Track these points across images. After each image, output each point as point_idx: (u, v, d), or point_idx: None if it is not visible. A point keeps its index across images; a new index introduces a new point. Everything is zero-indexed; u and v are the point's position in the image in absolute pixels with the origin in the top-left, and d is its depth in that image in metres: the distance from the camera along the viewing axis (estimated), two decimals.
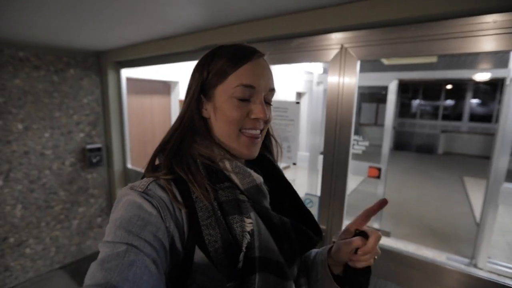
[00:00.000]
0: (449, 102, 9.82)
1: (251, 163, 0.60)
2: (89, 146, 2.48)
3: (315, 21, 1.29)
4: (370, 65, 3.68)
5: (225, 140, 0.55)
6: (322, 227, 1.47)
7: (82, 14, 1.38)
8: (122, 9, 1.30)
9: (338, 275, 0.60)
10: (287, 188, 0.63)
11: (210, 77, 0.53)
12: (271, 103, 0.60)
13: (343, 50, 1.30)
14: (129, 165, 2.68)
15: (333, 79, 1.34)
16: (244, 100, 0.53)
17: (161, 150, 0.55)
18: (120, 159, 2.67)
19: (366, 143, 3.25)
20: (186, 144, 0.54)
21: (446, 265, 1.13)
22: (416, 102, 10.34)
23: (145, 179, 0.50)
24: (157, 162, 0.55)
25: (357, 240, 0.53)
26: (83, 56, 2.40)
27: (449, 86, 9.58)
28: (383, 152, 3.13)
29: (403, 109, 10.39)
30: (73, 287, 2.24)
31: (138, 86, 3.09)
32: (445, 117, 9.76)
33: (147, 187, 0.47)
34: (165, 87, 3.44)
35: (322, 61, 1.39)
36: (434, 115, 9.95)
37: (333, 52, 1.33)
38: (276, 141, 0.70)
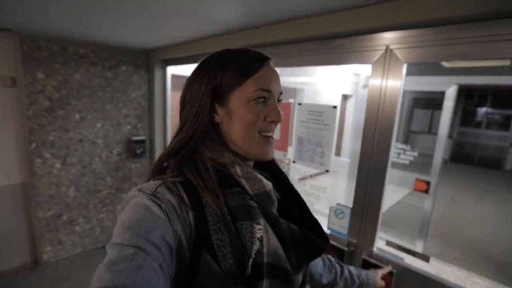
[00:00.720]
0: None
1: (260, 170, 0.59)
2: (134, 138, 2.67)
3: (358, 20, 1.19)
4: (426, 67, 3.34)
5: (242, 143, 0.55)
6: (353, 240, 1.37)
7: (131, 15, 1.48)
8: (169, 9, 1.36)
9: None
10: (295, 197, 0.64)
11: (224, 82, 0.53)
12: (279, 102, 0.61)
13: (388, 51, 1.18)
14: None
15: (375, 82, 1.23)
16: (261, 103, 0.54)
17: (172, 154, 0.54)
18: (161, 152, 2.82)
19: (415, 153, 2.96)
20: (197, 150, 0.54)
21: None
22: (482, 110, 9.17)
23: (154, 181, 0.50)
24: (167, 164, 0.55)
25: None
26: (134, 54, 2.58)
27: None
28: (434, 163, 2.82)
29: (465, 117, 9.30)
30: None
31: (183, 83, 3.23)
32: None
33: (155, 189, 0.47)
34: None
35: (365, 63, 1.28)
36: (504, 125, 8.72)
37: (377, 54, 1.22)
38: None
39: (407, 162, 3.03)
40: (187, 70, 3.01)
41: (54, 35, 2.07)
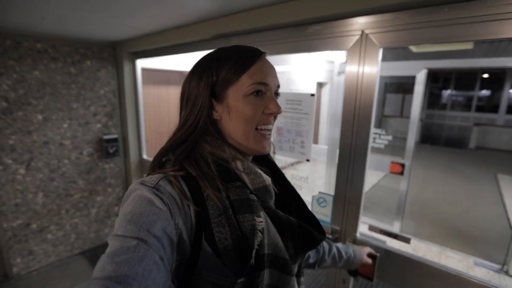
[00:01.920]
0: (485, 92, 9.08)
1: (259, 165, 0.60)
2: (105, 137, 2.52)
3: (332, 5, 1.16)
4: (395, 53, 3.44)
5: (239, 138, 0.56)
6: (336, 228, 1.38)
7: (93, 4, 1.35)
8: None
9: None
10: (291, 192, 0.66)
11: (220, 79, 0.54)
12: (277, 97, 0.62)
13: (363, 36, 1.18)
14: (144, 156, 2.71)
15: (352, 68, 1.22)
16: (258, 96, 0.55)
17: (171, 149, 0.56)
18: (136, 150, 2.70)
19: (389, 137, 3.06)
20: (196, 145, 0.55)
21: (472, 278, 1.01)
22: (447, 92, 9.68)
23: (155, 175, 0.50)
24: (167, 158, 0.56)
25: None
26: (99, 47, 2.41)
27: (485, 75, 8.85)
28: (407, 147, 2.94)
29: (432, 100, 9.77)
30: (92, 272, 2.32)
31: (155, 76, 3.08)
32: (480, 109, 9.06)
33: (157, 182, 0.48)
34: (182, 77, 3.41)
35: (340, 49, 1.27)
36: (467, 106, 9.28)
37: (352, 39, 1.21)
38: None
39: (382, 146, 3.14)
40: (157, 63, 2.87)
41: (5, 29, 1.87)
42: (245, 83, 0.53)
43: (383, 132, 3.06)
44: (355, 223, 1.32)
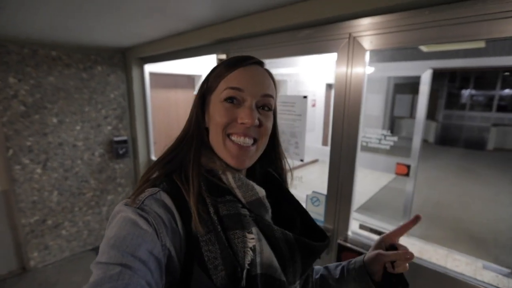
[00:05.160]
0: (508, 91, 8.63)
1: (253, 179, 0.56)
2: (116, 139, 2.65)
3: (321, 9, 1.20)
4: (406, 53, 3.40)
5: (215, 147, 0.54)
6: (329, 226, 1.41)
7: (102, 14, 1.46)
8: (140, 7, 1.35)
9: (377, 282, 0.60)
10: (293, 203, 0.60)
11: (207, 88, 0.55)
12: (270, 109, 0.56)
13: (351, 39, 1.21)
14: (153, 157, 2.82)
15: (341, 70, 1.26)
16: (232, 103, 0.51)
17: (163, 163, 0.54)
18: (145, 151, 2.81)
19: (395, 138, 3.03)
20: (188, 156, 0.52)
21: (480, 284, 1.00)
22: (466, 92, 9.34)
23: (142, 194, 0.48)
24: (156, 174, 0.53)
25: (400, 256, 0.56)
26: (109, 53, 2.54)
27: (507, 73, 8.47)
28: (413, 147, 2.90)
29: (451, 100, 9.47)
30: None
31: (163, 80, 3.20)
32: (502, 109, 8.61)
33: (142, 202, 0.45)
34: (189, 81, 3.52)
35: (331, 51, 1.30)
36: (487, 106, 8.89)
37: (341, 42, 1.24)
38: (285, 161, 0.66)
39: (387, 147, 3.11)
40: (165, 67, 2.99)
41: (24, 38, 2.02)
42: (221, 88, 0.52)
43: (389, 133, 3.05)
44: (347, 222, 1.35)
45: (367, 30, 1.15)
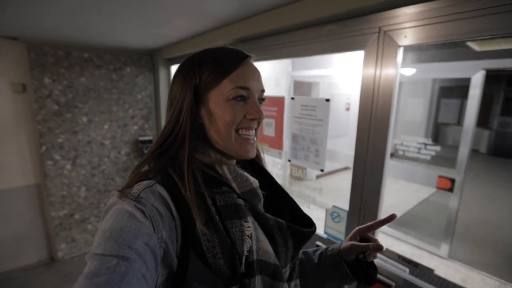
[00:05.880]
0: None
1: (245, 168, 0.59)
2: (141, 138, 2.70)
3: (345, 0, 1.05)
4: (453, 52, 3.03)
5: (222, 142, 0.55)
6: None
7: (129, 16, 1.48)
8: (167, 7, 1.34)
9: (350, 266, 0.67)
10: (282, 195, 0.64)
11: (202, 82, 0.53)
12: (262, 102, 0.60)
13: (381, 34, 1.04)
14: None
15: (368, 71, 1.10)
16: (239, 101, 0.53)
17: (156, 156, 0.53)
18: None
19: (437, 148, 2.70)
20: (183, 150, 0.53)
21: None
22: None
23: (137, 186, 0.47)
24: (145, 168, 0.53)
25: (371, 246, 0.64)
26: (137, 55, 2.59)
27: None
28: (459, 158, 2.56)
29: (508, 105, 8.41)
30: None
31: None
32: None
33: (138, 194, 0.45)
34: None
35: (357, 49, 1.15)
36: None
37: (369, 38, 1.08)
38: (260, 145, 0.69)
39: (428, 157, 2.78)
40: None
41: (59, 41, 2.13)
42: (226, 87, 0.52)
43: (430, 142, 2.72)
44: None
45: (402, 23, 0.98)
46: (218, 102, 0.53)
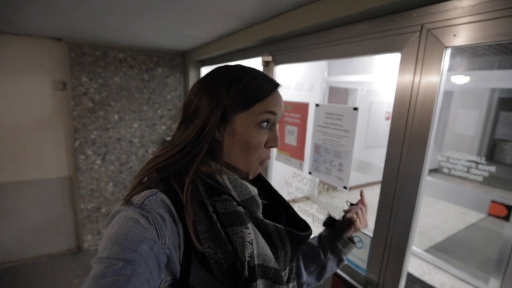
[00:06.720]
0: None
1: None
2: (168, 138, 2.73)
3: None
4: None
5: (239, 164, 0.56)
6: (372, 278, 1.08)
7: (162, 18, 1.50)
8: (192, 9, 1.33)
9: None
10: (281, 202, 0.66)
11: (232, 104, 0.53)
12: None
13: (423, 33, 0.87)
14: None
15: (404, 77, 0.93)
16: (264, 127, 0.55)
17: (167, 166, 0.53)
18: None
19: (491, 168, 2.34)
20: (192, 163, 0.53)
21: None
22: None
23: (141, 193, 0.49)
24: (148, 178, 0.54)
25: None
26: (170, 56, 2.63)
27: None
28: None
29: None
30: None
31: None
32: None
33: (143, 202, 0.47)
34: None
35: (392, 51, 0.99)
36: None
37: (408, 38, 0.92)
38: None
39: (480, 178, 2.42)
40: None
41: (98, 42, 2.23)
42: (256, 112, 0.54)
43: (483, 161, 2.36)
44: (398, 276, 0.99)
45: (452, 19, 0.81)
46: (246, 126, 0.54)
